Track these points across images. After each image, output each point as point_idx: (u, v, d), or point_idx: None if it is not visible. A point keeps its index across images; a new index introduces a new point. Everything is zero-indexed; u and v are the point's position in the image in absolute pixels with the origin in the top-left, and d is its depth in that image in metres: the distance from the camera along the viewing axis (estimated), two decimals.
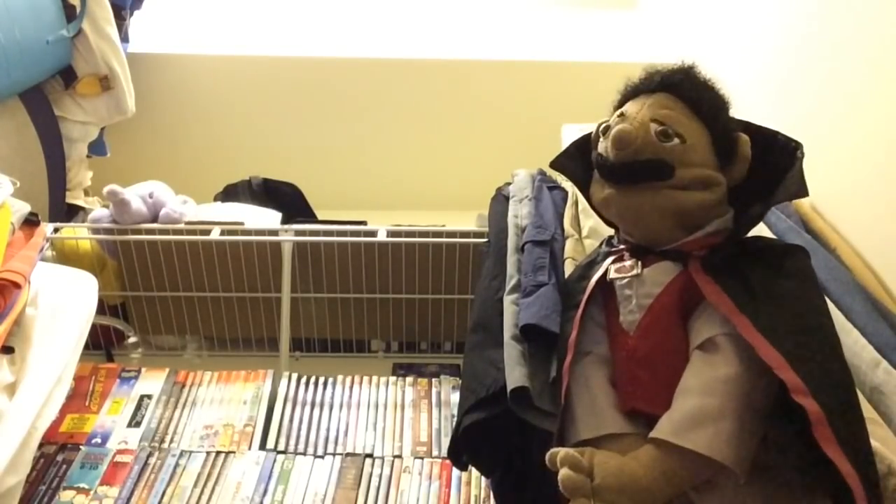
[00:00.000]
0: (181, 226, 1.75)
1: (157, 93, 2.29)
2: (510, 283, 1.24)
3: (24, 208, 1.41)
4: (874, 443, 0.81)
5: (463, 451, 1.13)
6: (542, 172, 1.61)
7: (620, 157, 0.90)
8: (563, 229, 1.40)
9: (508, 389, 1.01)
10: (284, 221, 1.88)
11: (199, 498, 1.37)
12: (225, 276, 1.79)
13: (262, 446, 1.48)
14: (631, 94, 0.97)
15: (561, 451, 0.81)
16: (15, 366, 1.22)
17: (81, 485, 1.38)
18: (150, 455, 1.45)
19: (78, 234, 1.77)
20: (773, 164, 0.92)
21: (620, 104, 0.97)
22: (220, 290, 1.80)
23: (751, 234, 0.98)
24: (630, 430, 0.87)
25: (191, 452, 1.46)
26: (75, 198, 2.10)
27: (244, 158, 2.37)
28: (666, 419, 0.82)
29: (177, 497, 1.36)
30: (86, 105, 1.98)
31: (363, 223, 1.84)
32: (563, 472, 0.79)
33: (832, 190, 1.31)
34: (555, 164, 1.05)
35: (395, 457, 1.47)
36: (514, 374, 1.03)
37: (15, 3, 1.68)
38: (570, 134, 1.43)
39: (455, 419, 1.26)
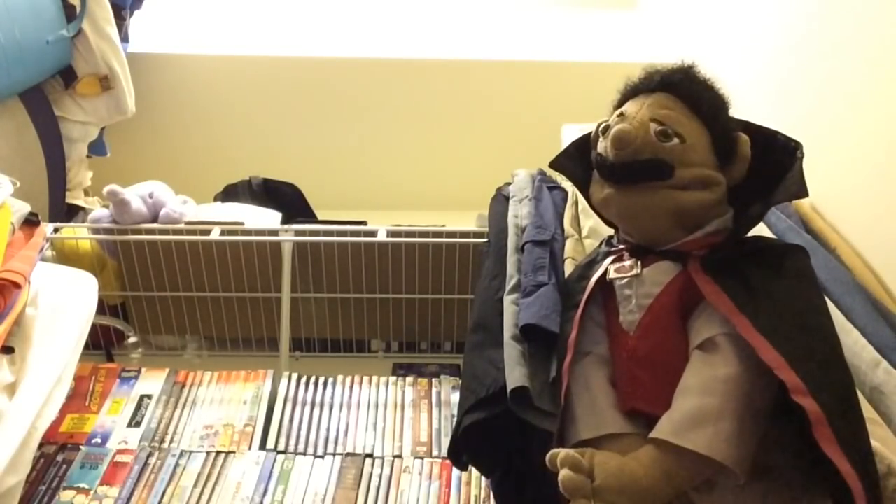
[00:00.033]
0: (181, 226, 1.75)
1: (157, 93, 2.29)
2: (510, 283, 1.24)
3: (24, 208, 1.41)
4: (874, 443, 0.81)
5: (463, 451, 1.13)
6: (542, 172, 1.61)
7: (620, 157, 0.90)
8: (563, 229, 1.40)
9: (508, 389, 1.01)
10: (284, 221, 1.88)
11: (199, 498, 1.37)
12: (225, 276, 1.79)
13: (262, 446, 1.48)
14: (630, 93, 0.97)
15: (561, 452, 0.81)
16: (15, 366, 1.22)
17: (81, 485, 1.38)
18: (150, 455, 1.45)
19: (78, 234, 1.77)
20: (772, 163, 0.92)
21: (620, 104, 0.97)
22: (220, 290, 1.81)
23: (751, 233, 0.98)
24: (630, 430, 0.87)
25: (191, 452, 1.46)
26: (75, 198, 2.10)
27: (244, 158, 2.37)
28: (666, 419, 0.82)
29: (177, 497, 1.36)
30: (86, 105, 1.98)
31: (363, 223, 1.84)
32: (564, 473, 0.79)
33: (832, 190, 1.31)
34: (554, 164, 1.05)
35: (395, 457, 1.47)
36: (514, 374, 1.03)
37: (15, 3, 1.68)
38: (570, 134, 1.43)
39: (455, 419, 1.26)
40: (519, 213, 1.45)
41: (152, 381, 1.63)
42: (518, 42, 2.43)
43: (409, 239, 1.73)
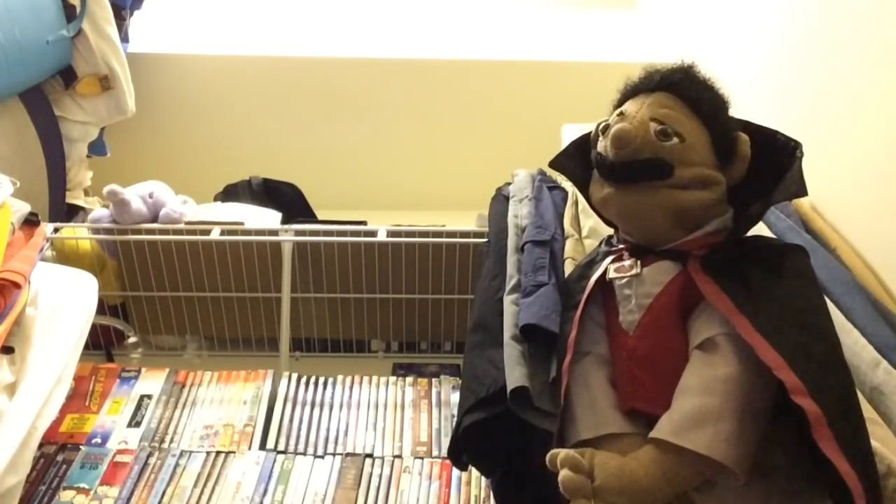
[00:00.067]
0: (181, 226, 1.75)
1: (157, 93, 2.29)
2: (510, 283, 1.24)
3: (24, 208, 1.41)
4: (874, 443, 0.81)
5: (463, 451, 1.13)
6: (542, 172, 1.61)
7: (620, 156, 0.90)
8: (563, 229, 1.40)
9: (508, 389, 1.01)
10: (284, 221, 1.88)
11: (199, 498, 1.37)
12: (225, 276, 1.79)
13: (262, 446, 1.48)
14: (630, 93, 0.97)
15: (561, 453, 0.81)
16: (15, 366, 1.22)
17: (81, 485, 1.38)
18: (150, 455, 1.45)
19: (78, 234, 1.77)
20: (772, 163, 0.92)
21: (620, 103, 0.97)
22: (220, 290, 1.81)
23: (750, 233, 0.98)
24: (630, 430, 0.87)
25: (191, 452, 1.46)
26: (75, 198, 2.10)
27: (244, 158, 2.37)
28: (665, 419, 0.82)
29: (177, 497, 1.36)
30: (86, 105, 1.98)
31: (363, 223, 1.84)
32: (564, 473, 0.79)
33: (832, 190, 1.31)
34: (554, 164, 1.05)
35: (395, 457, 1.47)
36: (514, 374, 1.03)
37: (15, 3, 1.68)
38: (570, 134, 1.43)
39: (455, 419, 1.26)
40: (519, 213, 1.45)
41: (152, 381, 1.63)
42: (518, 42, 2.43)
43: (409, 239, 1.73)
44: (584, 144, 1.01)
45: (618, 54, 2.35)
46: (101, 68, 1.93)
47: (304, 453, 1.47)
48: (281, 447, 1.48)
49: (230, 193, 2.10)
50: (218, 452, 1.46)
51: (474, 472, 1.40)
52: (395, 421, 1.55)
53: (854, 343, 1.00)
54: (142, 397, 1.59)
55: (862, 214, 1.23)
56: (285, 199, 2.09)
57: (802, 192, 0.91)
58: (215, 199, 2.08)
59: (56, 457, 1.44)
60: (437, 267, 1.76)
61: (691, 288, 0.88)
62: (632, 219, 0.95)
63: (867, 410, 0.90)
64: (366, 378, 1.66)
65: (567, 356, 0.95)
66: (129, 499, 1.36)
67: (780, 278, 0.88)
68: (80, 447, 1.46)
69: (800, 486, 0.83)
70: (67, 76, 1.93)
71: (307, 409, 1.58)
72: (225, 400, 1.59)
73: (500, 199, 1.58)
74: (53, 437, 1.47)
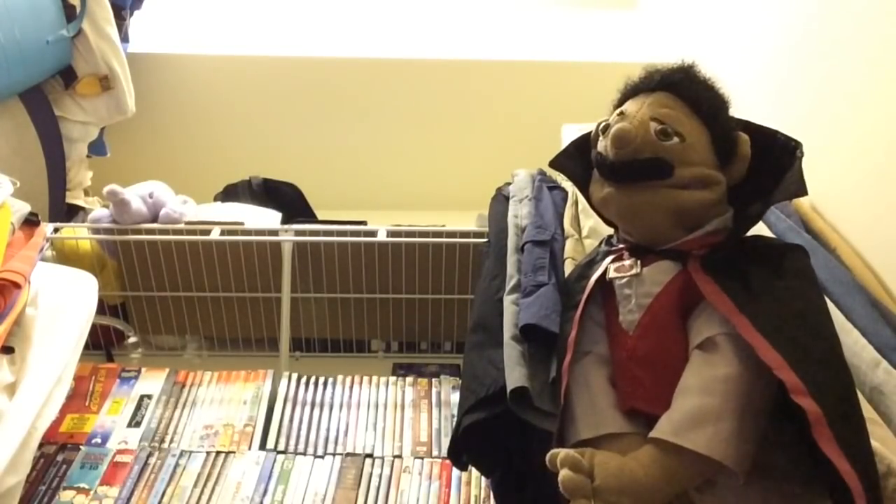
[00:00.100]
0: (181, 226, 1.75)
1: (157, 93, 2.29)
2: (510, 283, 1.24)
3: (24, 208, 1.41)
4: (874, 443, 0.81)
5: (463, 451, 1.13)
6: (542, 172, 1.61)
7: (620, 156, 0.90)
8: (563, 229, 1.40)
9: (508, 389, 1.01)
10: (284, 221, 1.88)
11: (199, 498, 1.37)
12: (225, 276, 1.79)
13: (262, 446, 1.49)
14: (631, 93, 0.97)
15: (561, 452, 0.81)
16: (15, 366, 1.22)
17: (81, 485, 1.38)
18: (150, 455, 1.45)
19: (78, 234, 1.77)
20: (772, 163, 0.92)
21: (620, 103, 0.97)
22: (220, 290, 1.81)
23: (750, 233, 0.98)
24: (630, 430, 0.87)
25: (191, 452, 1.46)
26: (75, 198, 2.10)
27: (244, 158, 2.37)
28: (665, 419, 0.82)
29: (177, 497, 1.36)
30: (86, 105, 1.98)
31: (363, 223, 1.84)
32: (564, 473, 0.79)
33: (832, 190, 1.31)
34: (554, 164, 1.05)
35: (395, 457, 1.47)
36: (514, 375, 1.03)
37: (15, 3, 1.68)
38: (570, 134, 1.43)
39: (455, 419, 1.26)
40: (519, 213, 1.45)
41: (152, 381, 1.63)
42: (518, 42, 2.43)
43: (409, 239, 1.73)
44: (584, 144, 1.01)
45: (618, 54, 2.35)
46: (101, 68, 1.93)
47: (304, 453, 1.47)
48: (281, 447, 1.48)
49: (230, 193, 2.11)
50: (218, 452, 1.46)
51: (474, 472, 1.40)
52: (395, 421, 1.55)
53: (854, 343, 1.00)
54: (142, 397, 1.59)
55: (862, 214, 1.23)
56: (285, 199, 2.09)
57: (802, 191, 0.91)
58: (215, 199, 2.08)
59: (56, 457, 1.44)
60: (437, 267, 1.76)
61: (691, 288, 0.88)
62: (632, 218, 0.95)
63: (867, 410, 0.90)
64: (366, 378, 1.66)
65: (567, 356, 0.95)
66: (129, 499, 1.36)
67: (780, 278, 0.88)
68: (80, 447, 1.46)
69: (800, 486, 0.83)
70: (67, 76, 1.93)
71: (307, 409, 1.58)
72: (225, 400, 1.59)
73: (500, 199, 1.58)
74: (53, 437, 1.47)
